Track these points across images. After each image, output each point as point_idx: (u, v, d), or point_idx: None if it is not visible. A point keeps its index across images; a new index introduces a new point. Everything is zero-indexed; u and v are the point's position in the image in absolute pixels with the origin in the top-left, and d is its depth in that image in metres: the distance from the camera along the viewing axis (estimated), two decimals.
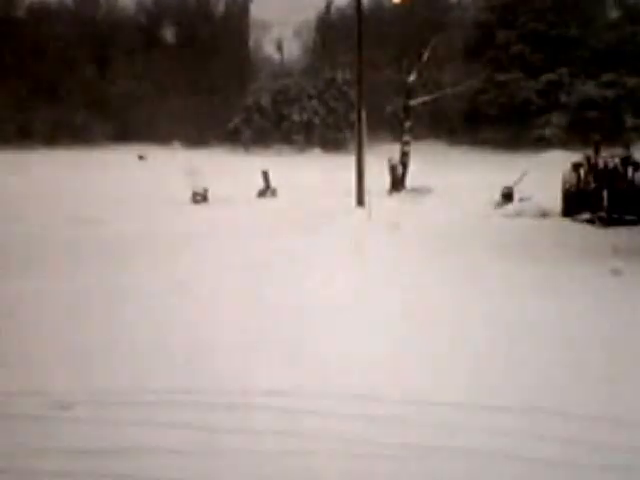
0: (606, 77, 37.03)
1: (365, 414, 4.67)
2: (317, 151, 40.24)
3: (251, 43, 50.89)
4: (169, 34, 49.10)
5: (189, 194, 18.42)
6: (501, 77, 37.65)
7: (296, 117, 41.42)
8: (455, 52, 38.87)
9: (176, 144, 42.29)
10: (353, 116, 27.35)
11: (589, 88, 37.35)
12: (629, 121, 35.53)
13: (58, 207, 16.58)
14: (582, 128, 32.03)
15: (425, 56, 22.60)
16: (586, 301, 7.76)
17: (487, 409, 4.75)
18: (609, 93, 36.64)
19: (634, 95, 35.61)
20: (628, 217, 13.91)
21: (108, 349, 6.07)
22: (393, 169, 20.41)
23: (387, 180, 20.30)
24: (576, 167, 15.31)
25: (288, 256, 10.56)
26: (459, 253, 10.81)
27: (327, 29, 46.88)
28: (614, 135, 27.55)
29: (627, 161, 14.89)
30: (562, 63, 37.58)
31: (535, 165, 22.14)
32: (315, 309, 7.37)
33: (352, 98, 34.64)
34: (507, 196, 17.16)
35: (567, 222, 14.44)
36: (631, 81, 36.37)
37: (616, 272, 8.99)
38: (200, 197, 18.40)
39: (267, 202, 18.51)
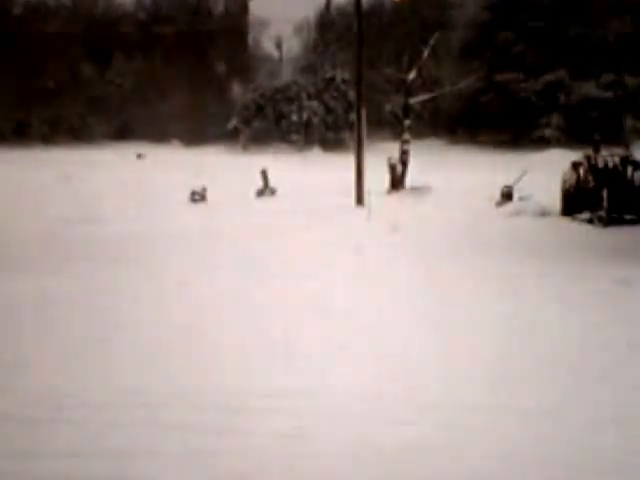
0: (606, 78, 36.99)
1: (366, 415, 4.64)
2: (316, 150, 40.17)
3: (250, 41, 50.81)
4: (168, 32, 48.91)
5: (187, 193, 18.37)
6: (500, 77, 37.59)
7: (295, 117, 41.35)
8: (455, 51, 38.87)
9: (175, 143, 42.23)
10: (352, 116, 27.36)
11: (589, 89, 37.31)
12: (629, 122, 35.52)
13: (55, 206, 16.54)
14: (582, 129, 31.99)
15: (425, 54, 22.56)
16: (587, 301, 7.73)
17: (486, 410, 4.73)
18: (609, 94, 36.59)
19: (634, 96, 35.56)
20: (627, 217, 13.89)
21: (105, 350, 6.04)
22: (393, 168, 20.36)
23: (387, 179, 20.26)
24: (576, 166, 15.28)
25: (287, 256, 10.54)
26: (459, 253, 10.78)
27: (327, 27, 46.82)
28: (614, 136, 27.51)
29: (627, 160, 14.86)
30: (562, 63, 37.53)
31: (535, 164, 22.13)
32: (314, 309, 7.34)
33: (351, 98, 34.65)
34: (507, 195, 17.14)
35: (566, 221, 14.42)
36: (632, 82, 36.33)
37: (621, 280, 8.89)
38: (199, 196, 18.35)
39: (266, 201, 18.47)
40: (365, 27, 18.10)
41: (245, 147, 40.76)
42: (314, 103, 41.57)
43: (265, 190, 19.57)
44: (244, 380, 5.26)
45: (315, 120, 41.27)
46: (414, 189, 19.73)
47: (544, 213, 15.11)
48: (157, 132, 41.37)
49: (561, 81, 38.08)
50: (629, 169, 14.62)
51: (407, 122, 22.07)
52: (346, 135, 38.95)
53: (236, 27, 49.09)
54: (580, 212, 14.41)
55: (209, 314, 7.23)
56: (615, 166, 14.74)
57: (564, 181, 15.28)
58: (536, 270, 9.46)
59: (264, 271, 9.36)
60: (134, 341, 6.26)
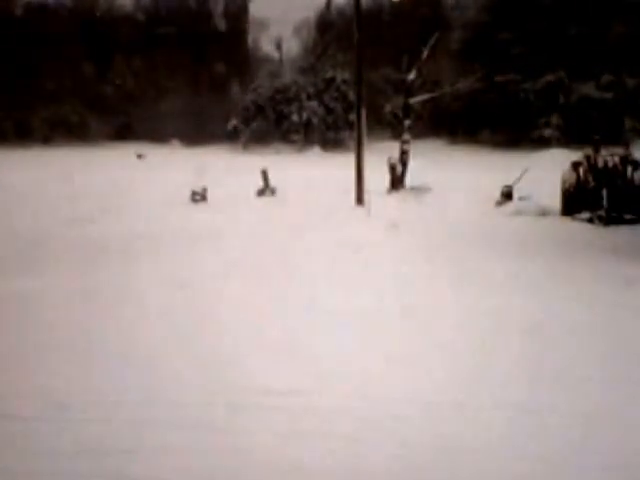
0: (606, 79, 37.03)
1: (365, 413, 4.66)
2: (316, 150, 40.19)
3: (250, 42, 50.86)
4: (168, 32, 48.98)
5: (188, 193, 18.38)
6: (500, 78, 37.60)
7: (295, 117, 41.37)
8: (454, 52, 38.91)
9: (175, 143, 42.25)
10: (352, 116, 27.32)
11: (589, 89, 37.35)
12: (628, 123, 35.55)
13: (56, 206, 16.56)
14: (581, 129, 32.02)
15: (424, 54, 22.57)
16: (588, 300, 7.75)
17: (486, 408, 4.75)
18: (609, 95, 36.62)
19: (634, 96, 35.60)
20: (627, 216, 13.91)
21: (107, 348, 6.06)
22: (392, 168, 20.38)
23: (386, 179, 20.28)
24: (575, 166, 15.29)
25: (287, 255, 10.55)
26: (459, 252, 10.80)
27: (326, 28, 46.85)
28: (613, 136, 27.52)
29: (626, 160, 14.88)
30: (562, 64, 37.56)
31: (535, 164, 22.13)
32: (314, 307, 7.36)
33: (351, 98, 34.65)
34: (507, 195, 17.16)
35: (567, 221, 14.44)
36: (631, 82, 36.37)
37: (622, 279, 8.89)
38: (199, 196, 18.35)
39: (266, 201, 18.47)
40: (364, 27, 18.08)
41: (245, 147, 40.79)
42: (314, 103, 41.59)
43: (265, 190, 19.58)
44: (244, 379, 5.27)
45: (315, 120, 41.29)
46: (414, 189, 19.75)
47: (544, 213, 15.13)
48: (157, 132, 41.40)
49: (561, 82, 38.12)
50: (629, 169, 14.64)
51: (407, 122, 22.08)
52: (346, 135, 38.99)
53: (236, 28, 49.15)
54: (580, 212, 14.43)
55: (209, 313, 7.25)
56: (615, 166, 14.75)
57: (564, 181, 15.29)
58: (536, 269, 9.48)
59: (264, 270, 9.38)
60: (133, 340, 6.27)
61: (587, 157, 15.26)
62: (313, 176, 23.78)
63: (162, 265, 9.79)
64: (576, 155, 16.22)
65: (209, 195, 18.43)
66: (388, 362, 5.67)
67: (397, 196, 19.18)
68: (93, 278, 8.86)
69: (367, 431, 4.41)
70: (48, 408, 4.74)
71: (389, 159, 20.63)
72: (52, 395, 4.95)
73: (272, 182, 19.70)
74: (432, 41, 23.02)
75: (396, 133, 26.41)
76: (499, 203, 16.90)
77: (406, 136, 21.60)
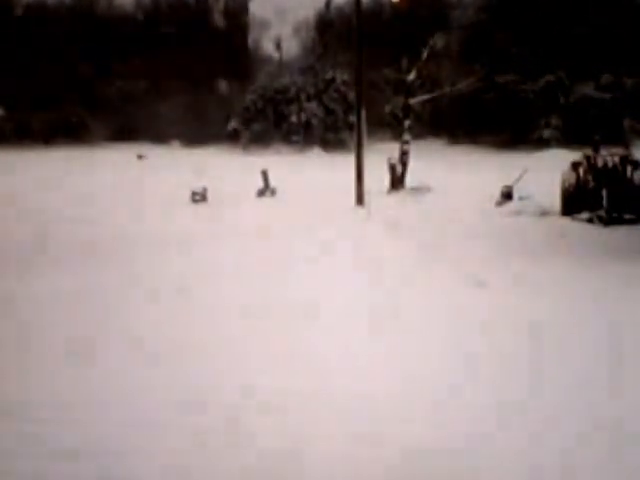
0: (605, 79, 37.02)
1: (365, 413, 4.67)
2: (316, 150, 40.18)
3: (250, 42, 50.87)
4: (168, 32, 48.98)
5: (188, 193, 18.41)
6: (500, 78, 37.57)
7: (294, 119, 41.38)
8: (454, 52, 38.88)
9: (175, 143, 42.27)
10: (352, 117, 27.33)
11: (588, 89, 37.35)
12: (627, 123, 35.55)
13: (56, 206, 16.57)
14: (581, 129, 32.01)
15: (424, 55, 22.58)
16: (588, 300, 7.76)
17: (487, 409, 4.75)
18: (608, 95, 36.62)
19: (633, 97, 35.60)
20: (627, 216, 13.92)
21: (106, 349, 6.07)
22: (392, 168, 20.39)
23: (386, 179, 20.30)
24: (575, 166, 15.30)
25: (287, 256, 10.56)
26: (459, 252, 10.80)
27: (326, 28, 46.83)
28: (613, 136, 27.52)
29: (626, 160, 14.89)
30: (561, 65, 37.55)
31: (535, 164, 22.15)
32: (314, 309, 7.37)
33: (351, 99, 34.64)
34: (507, 195, 17.18)
35: (566, 221, 14.44)
36: (630, 82, 36.37)
37: (621, 279, 8.89)
38: (199, 196, 18.38)
39: (266, 201, 18.51)
40: (364, 27, 18.09)
41: (245, 148, 40.79)
42: (314, 104, 41.58)
43: (265, 190, 19.60)
44: (244, 380, 5.29)
45: (315, 121, 41.28)
46: (414, 189, 19.77)
47: (544, 213, 15.14)
48: (157, 133, 41.40)
49: (560, 82, 38.11)
50: (628, 169, 14.65)
51: (407, 123, 22.10)
52: (346, 136, 38.98)
53: (236, 28, 49.16)
54: (580, 212, 14.43)
55: (208, 314, 7.26)
56: (615, 166, 14.76)
57: (564, 181, 15.30)
58: (536, 269, 9.49)
59: (264, 270, 9.39)
60: (132, 341, 6.29)
61: (587, 157, 15.26)
62: (313, 177, 23.81)
63: (161, 265, 9.80)
64: (576, 155, 16.23)
65: (209, 195, 18.46)
66: (387, 362, 5.69)
67: (397, 196, 19.20)
68: (93, 278, 8.87)
69: (367, 432, 4.42)
70: (52, 409, 4.75)
71: (389, 159, 20.65)
72: (56, 396, 4.96)
73: (272, 183, 19.72)
74: (432, 42, 23.03)
75: (396, 133, 26.41)
76: (499, 203, 16.92)
77: (406, 136, 21.61)
